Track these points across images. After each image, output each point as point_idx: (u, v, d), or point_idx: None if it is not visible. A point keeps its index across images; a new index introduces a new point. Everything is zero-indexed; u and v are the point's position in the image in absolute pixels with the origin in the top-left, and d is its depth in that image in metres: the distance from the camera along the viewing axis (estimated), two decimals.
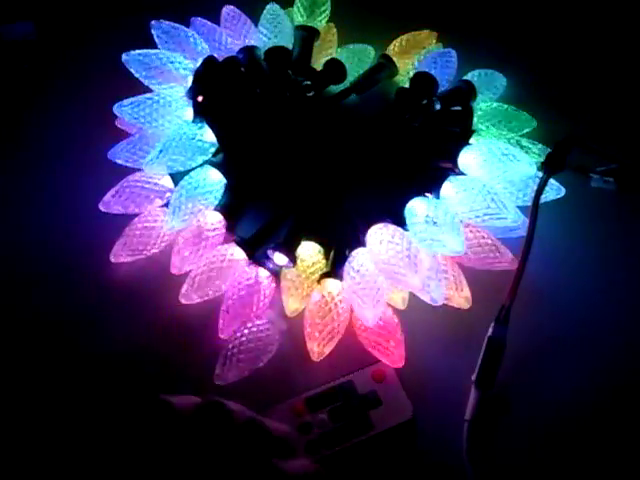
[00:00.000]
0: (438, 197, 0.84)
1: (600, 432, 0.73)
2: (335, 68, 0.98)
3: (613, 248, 0.85)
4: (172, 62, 0.91)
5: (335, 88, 0.99)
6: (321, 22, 1.02)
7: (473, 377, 0.74)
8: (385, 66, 0.99)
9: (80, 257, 0.86)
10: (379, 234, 0.79)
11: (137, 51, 0.92)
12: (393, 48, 1.01)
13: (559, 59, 1.03)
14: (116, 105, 0.90)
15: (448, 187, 0.83)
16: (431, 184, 0.85)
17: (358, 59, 1.01)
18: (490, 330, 0.75)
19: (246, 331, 0.77)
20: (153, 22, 0.96)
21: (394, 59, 0.99)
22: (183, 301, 0.80)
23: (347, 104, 0.98)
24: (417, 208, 0.82)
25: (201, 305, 0.81)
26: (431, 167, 0.89)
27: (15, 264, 0.87)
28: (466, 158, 0.85)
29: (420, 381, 0.76)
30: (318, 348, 0.77)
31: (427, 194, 0.84)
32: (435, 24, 1.04)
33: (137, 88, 0.93)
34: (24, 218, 0.91)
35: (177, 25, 0.96)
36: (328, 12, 1.03)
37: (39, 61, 1.06)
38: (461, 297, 0.79)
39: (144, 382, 0.78)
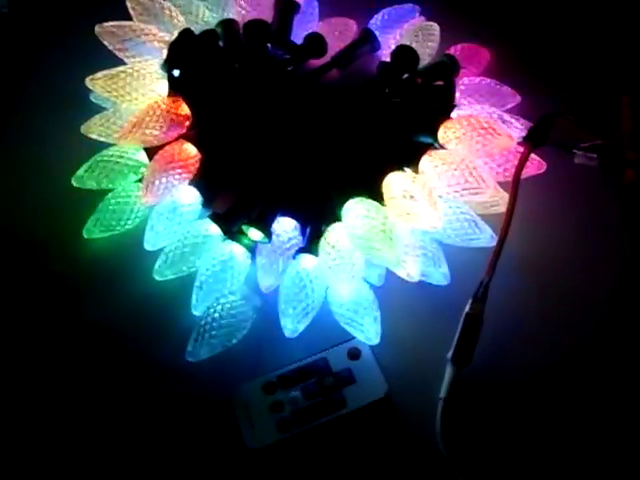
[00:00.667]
0: (416, 172, 0.83)
1: (580, 407, 0.73)
2: (316, 42, 0.97)
3: (594, 225, 0.84)
4: (147, 34, 0.90)
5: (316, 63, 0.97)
6: None
7: (449, 354, 0.73)
8: (367, 40, 0.98)
9: (53, 233, 0.86)
10: (355, 209, 0.78)
11: (110, 23, 0.90)
12: (375, 22, 0.99)
13: (544, 32, 1.01)
14: (88, 78, 0.88)
15: (426, 161, 0.82)
16: (409, 158, 0.83)
17: (339, 33, 0.99)
18: (468, 307, 0.74)
19: (219, 307, 0.76)
20: None
21: (376, 33, 0.98)
22: (157, 277, 0.80)
23: (328, 79, 0.97)
24: (395, 182, 0.80)
25: (175, 281, 0.80)
26: (410, 141, 0.87)
27: None
28: (446, 132, 0.84)
29: (396, 359, 0.75)
30: (292, 325, 0.76)
31: (405, 168, 0.83)
32: None
33: (113, 61, 0.91)
34: None
35: None
36: None
37: (12, 34, 1.05)
38: (439, 273, 0.78)
39: (116, 358, 0.77)
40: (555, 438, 0.71)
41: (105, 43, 0.90)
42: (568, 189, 0.86)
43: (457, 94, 0.91)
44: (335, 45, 0.98)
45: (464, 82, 0.92)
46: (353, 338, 0.75)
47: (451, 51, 0.95)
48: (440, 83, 0.93)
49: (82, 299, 0.81)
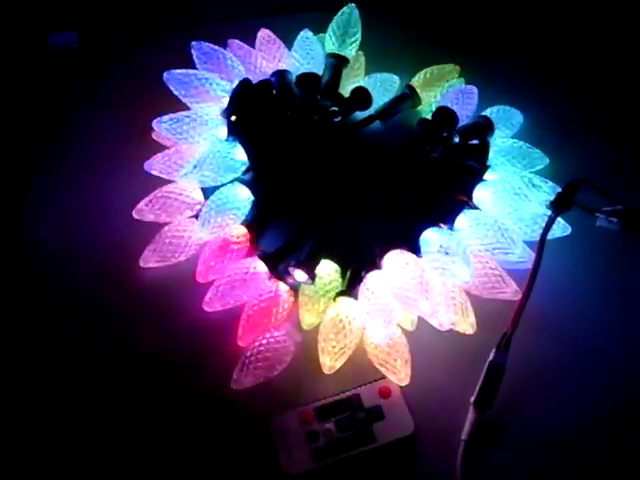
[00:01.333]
0: (452, 228, 0.89)
1: (592, 458, 0.78)
2: (361, 95, 1.03)
3: (614, 286, 0.90)
4: (210, 83, 0.97)
5: (360, 114, 1.04)
6: (351, 51, 1.06)
7: (472, 399, 0.79)
8: (409, 96, 1.05)
9: (112, 260, 0.91)
10: (395, 259, 0.85)
11: (178, 71, 0.96)
12: (418, 79, 1.06)
13: (575, 99, 1.08)
14: (155, 120, 0.95)
15: (462, 220, 0.89)
16: (446, 215, 0.90)
17: (384, 88, 1.06)
18: (491, 356, 0.80)
19: (264, 341, 0.82)
20: (194, 43, 1.01)
21: (418, 90, 1.05)
22: (206, 308, 0.85)
23: (370, 130, 1.03)
24: (432, 238, 0.87)
25: (222, 313, 0.85)
26: (447, 199, 0.94)
27: (49, 264, 0.92)
28: (481, 193, 0.90)
29: (423, 399, 0.80)
30: (330, 362, 0.81)
31: (442, 225, 0.89)
32: (458, 58, 1.09)
33: (170, 98, 0.97)
34: (62, 220, 0.95)
35: (216, 47, 1.01)
36: (359, 42, 1.07)
37: (81, 71, 1.11)
38: (466, 323, 0.84)
39: (163, 382, 0.83)
40: None
41: (171, 88, 0.97)
42: (591, 251, 0.92)
43: (491, 154, 0.97)
44: (379, 98, 1.05)
45: (498, 143, 0.99)
46: (385, 378, 0.81)
47: (487, 112, 1.01)
48: (475, 142, 0.99)
49: (135, 324, 0.86)
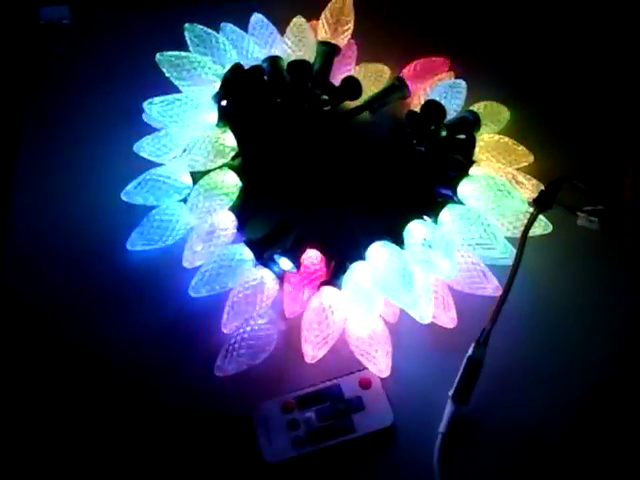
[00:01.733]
0: (436, 222, 0.90)
1: (564, 452, 0.80)
2: (352, 85, 1.03)
3: (593, 284, 0.91)
4: (202, 67, 0.96)
5: (350, 104, 1.04)
6: (343, 40, 1.06)
7: (450, 392, 0.80)
8: (399, 88, 1.05)
9: (99, 242, 0.91)
10: (379, 251, 0.86)
11: (170, 53, 0.96)
12: (408, 71, 1.06)
13: (562, 98, 1.09)
14: (146, 102, 0.95)
15: (446, 214, 0.90)
16: (431, 209, 0.91)
17: (374, 78, 1.06)
18: (470, 350, 0.81)
19: (248, 328, 0.83)
20: (187, 25, 1.00)
21: (407, 82, 1.05)
22: (192, 293, 0.86)
23: (359, 120, 1.04)
24: (416, 230, 0.88)
25: (207, 299, 0.86)
26: (432, 193, 0.95)
27: (35, 245, 0.92)
28: (465, 188, 0.91)
29: (402, 391, 0.82)
30: (312, 351, 0.82)
31: (426, 218, 0.90)
32: (449, 51, 1.09)
33: (161, 79, 0.97)
34: (50, 201, 0.95)
35: (209, 30, 1.01)
36: (351, 30, 1.07)
37: (72, 46, 1.10)
38: (447, 317, 0.85)
39: (147, 367, 0.83)
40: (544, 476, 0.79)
41: (163, 70, 0.97)
42: (571, 249, 0.93)
43: (477, 149, 0.98)
44: (368, 89, 1.05)
45: (484, 138, 1.00)
46: (365, 369, 0.82)
47: (474, 107, 1.02)
48: (462, 137, 1.00)
49: (120, 306, 0.87)
